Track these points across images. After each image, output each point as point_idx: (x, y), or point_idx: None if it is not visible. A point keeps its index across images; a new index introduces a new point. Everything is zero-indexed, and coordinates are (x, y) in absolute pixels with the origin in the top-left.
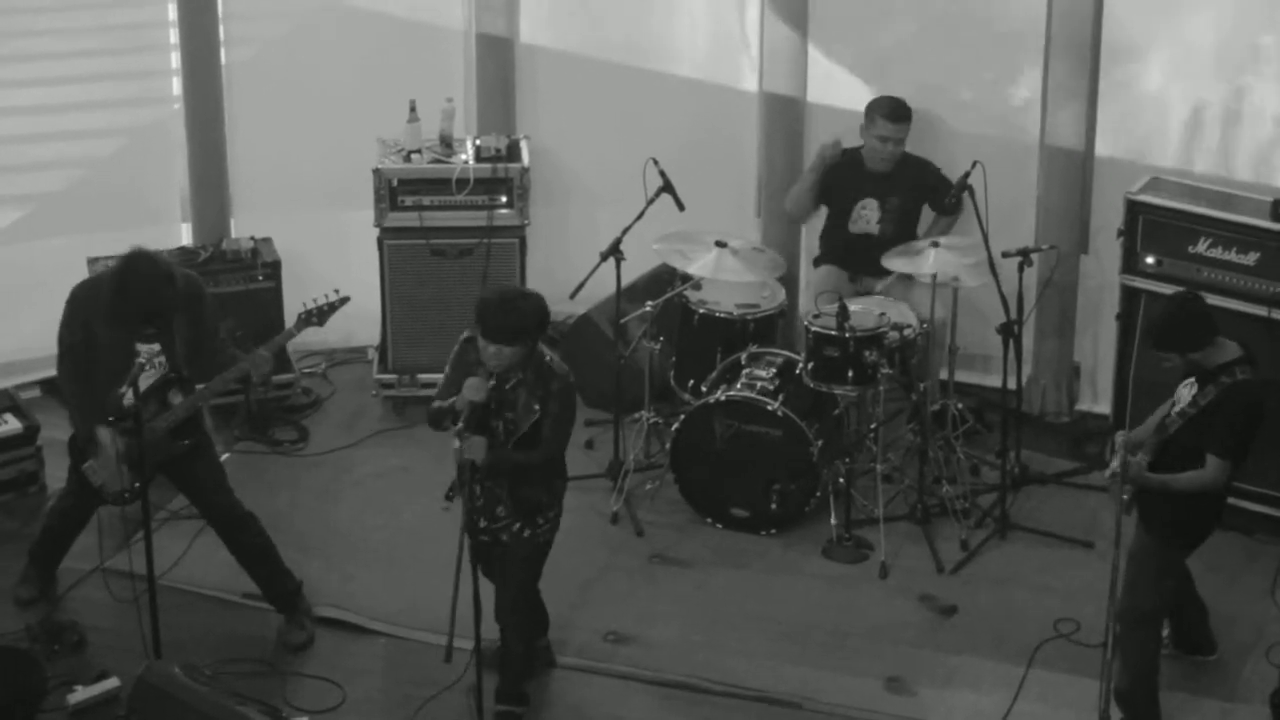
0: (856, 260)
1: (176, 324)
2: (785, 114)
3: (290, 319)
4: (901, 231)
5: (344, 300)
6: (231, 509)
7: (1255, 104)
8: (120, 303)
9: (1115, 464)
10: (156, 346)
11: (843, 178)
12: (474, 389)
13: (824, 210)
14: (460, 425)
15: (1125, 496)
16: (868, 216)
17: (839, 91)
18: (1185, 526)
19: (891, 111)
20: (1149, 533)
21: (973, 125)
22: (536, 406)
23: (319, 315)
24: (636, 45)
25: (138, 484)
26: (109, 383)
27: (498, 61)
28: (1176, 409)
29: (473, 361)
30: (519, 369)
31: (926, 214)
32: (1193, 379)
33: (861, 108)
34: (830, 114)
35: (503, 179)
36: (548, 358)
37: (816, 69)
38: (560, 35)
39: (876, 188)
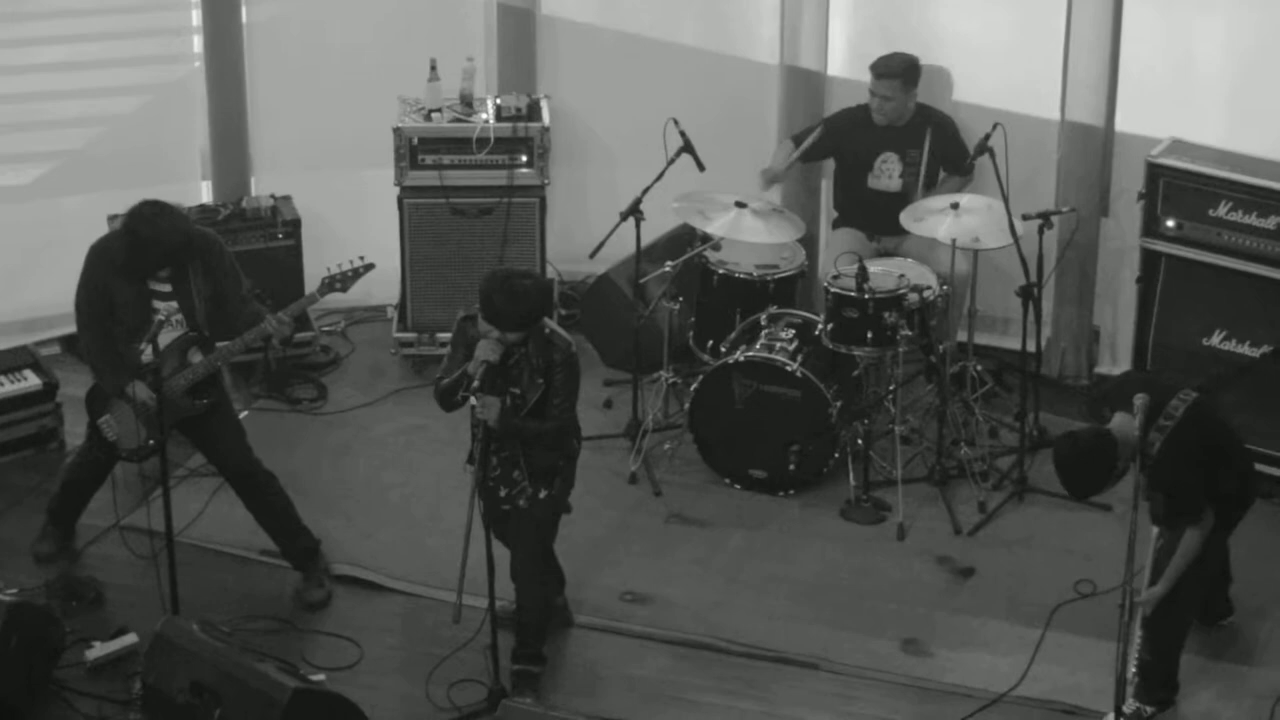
0: (876, 218)
1: (195, 281)
2: (806, 87)
3: (310, 277)
4: (922, 188)
5: (369, 267)
6: (250, 467)
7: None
8: (134, 251)
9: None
10: (175, 304)
11: (860, 133)
12: (488, 349)
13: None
14: (476, 384)
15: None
16: (889, 171)
17: (859, 64)
18: (1220, 517)
19: (874, 66)
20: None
21: (993, 89)
22: (540, 380)
23: (342, 281)
24: (657, 19)
25: (152, 441)
26: (128, 340)
27: (518, 28)
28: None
29: (474, 338)
30: (520, 345)
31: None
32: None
33: None
34: (851, 87)
35: (523, 138)
36: (547, 330)
37: (837, 42)
38: (581, 7)
39: (896, 141)
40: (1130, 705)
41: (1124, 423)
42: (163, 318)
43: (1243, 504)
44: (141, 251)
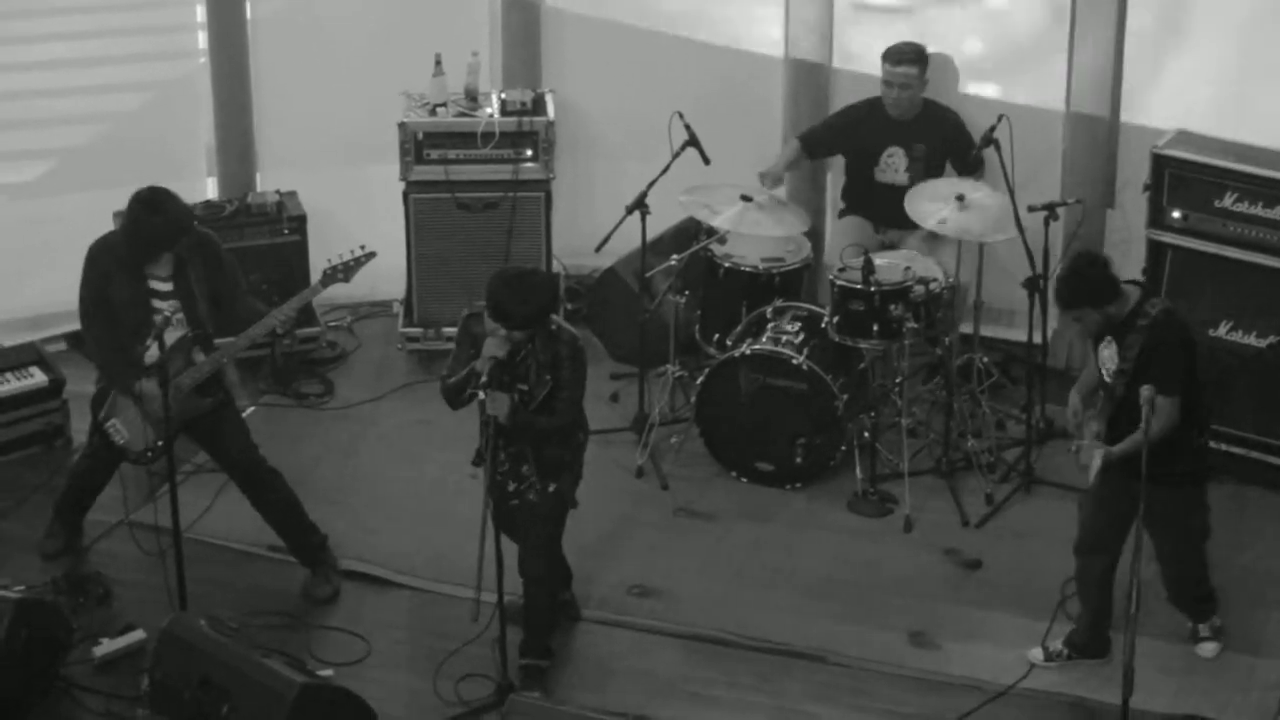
0: (882, 211)
1: (195, 279)
2: (811, 80)
3: (316, 273)
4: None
5: (370, 255)
6: (256, 465)
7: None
8: (140, 232)
9: (1095, 464)
10: (176, 303)
11: (868, 127)
12: (495, 345)
13: (843, 162)
14: (484, 381)
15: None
16: (895, 165)
17: (864, 57)
18: (1184, 464)
19: (892, 54)
20: (1173, 482)
21: (998, 81)
22: (548, 377)
23: (345, 271)
24: (664, 12)
25: (160, 442)
26: (130, 340)
27: (523, 22)
28: (1112, 369)
29: (479, 335)
30: (527, 341)
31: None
32: (1108, 338)
33: None
34: (855, 79)
35: (528, 133)
36: (554, 325)
37: (842, 35)
38: (585, 0)
39: (902, 135)
40: (1056, 646)
41: (1126, 287)
42: (168, 314)
43: (1204, 424)
44: (148, 231)
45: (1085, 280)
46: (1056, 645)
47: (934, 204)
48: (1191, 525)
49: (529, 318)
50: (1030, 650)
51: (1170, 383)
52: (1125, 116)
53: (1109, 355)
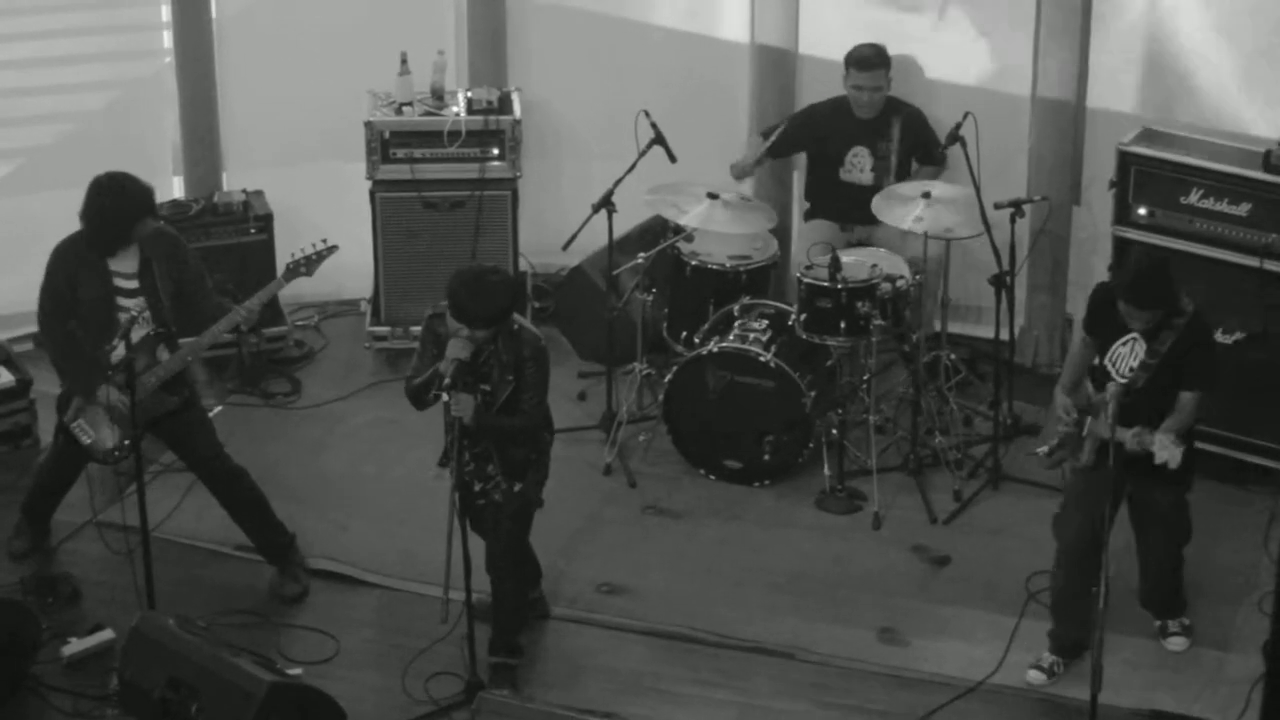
0: (848, 210)
1: (160, 277)
2: (777, 66)
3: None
4: (894, 180)
5: (332, 249)
6: (222, 464)
7: (1249, 53)
8: (104, 215)
9: (1176, 453)
10: (142, 301)
11: (832, 127)
12: (459, 347)
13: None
14: (448, 382)
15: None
16: (860, 164)
17: (830, 43)
18: (1189, 462)
19: (860, 60)
20: (1171, 483)
21: (963, 76)
22: (510, 377)
23: (307, 265)
24: (628, 8)
25: (127, 442)
26: (94, 342)
27: (488, 14)
28: (1134, 364)
29: (442, 336)
30: (489, 342)
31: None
32: (1130, 336)
33: None
34: (821, 66)
35: (494, 131)
36: (516, 325)
37: (807, 21)
38: None
39: (866, 134)
40: (1047, 660)
41: None
42: (134, 314)
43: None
44: (113, 214)
45: (1164, 285)
46: (1047, 659)
47: (904, 206)
48: (1181, 527)
49: (489, 317)
50: (1028, 674)
51: (1209, 379)
52: (1090, 114)
53: (1126, 352)
